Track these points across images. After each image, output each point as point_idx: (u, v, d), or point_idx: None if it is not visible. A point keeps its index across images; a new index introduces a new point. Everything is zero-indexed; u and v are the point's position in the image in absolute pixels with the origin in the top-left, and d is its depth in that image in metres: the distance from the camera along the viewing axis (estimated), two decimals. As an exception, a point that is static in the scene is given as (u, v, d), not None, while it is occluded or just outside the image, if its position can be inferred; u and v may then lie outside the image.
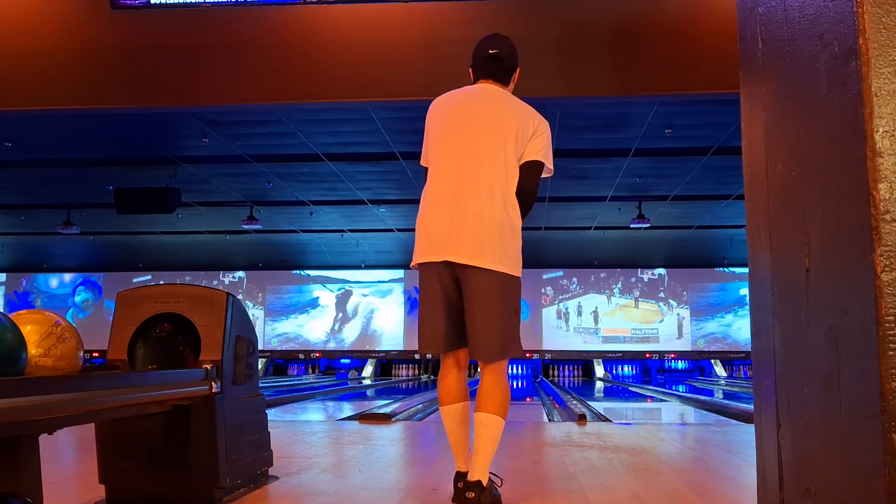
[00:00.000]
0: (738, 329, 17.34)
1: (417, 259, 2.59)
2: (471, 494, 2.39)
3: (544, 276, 17.59)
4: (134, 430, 2.50)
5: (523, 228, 2.60)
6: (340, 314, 18.25)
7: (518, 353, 2.54)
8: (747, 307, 1.71)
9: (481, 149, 2.55)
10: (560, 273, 17.55)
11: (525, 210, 2.59)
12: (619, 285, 17.65)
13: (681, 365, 17.72)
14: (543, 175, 2.64)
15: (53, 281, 18.72)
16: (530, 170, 2.57)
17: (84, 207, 13.24)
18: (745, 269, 1.71)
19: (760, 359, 1.61)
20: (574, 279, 17.60)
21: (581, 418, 5.89)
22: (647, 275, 17.64)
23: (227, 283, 18.31)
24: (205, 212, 13.81)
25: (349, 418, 6.55)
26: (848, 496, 1.20)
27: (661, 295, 17.66)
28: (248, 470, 2.79)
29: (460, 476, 2.54)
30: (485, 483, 2.43)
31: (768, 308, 1.55)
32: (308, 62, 5.71)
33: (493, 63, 2.69)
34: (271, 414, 3.20)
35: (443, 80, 5.69)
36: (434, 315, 2.56)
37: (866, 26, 1.15)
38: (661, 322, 17.55)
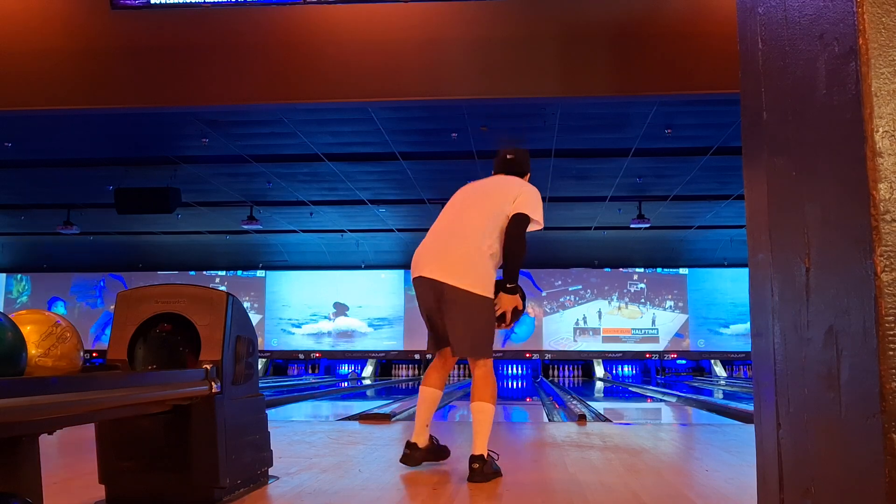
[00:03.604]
0: (738, 329, 17.33)
1: (412, 274, 3.33)
2: (476, 465, 3.03)
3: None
4: (134, 430, 2.50)
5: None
6: (340, 314, 18.25)
7: (485, 356, 3.19)
8: (747, 307, 1.71)
9: (469, 200, 3.35)
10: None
11: (509, 255, 3.16)
12: (617, 291, 17.71)
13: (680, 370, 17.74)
14: (533, 228, 3.23)
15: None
16: (516, 221, 3.20)
17: (84, 207, 13.24)
18: (745, 269, 1.71)
19: (760, 359, 1.61)
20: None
21: (581, 418, 5.89)
22: (640, 281, 17.69)
23: (223, 287, 18.30)
24: (205, 212, 13.81)
25: (349, 418, 6.54)
26: (848, 496, 1.20)
27: (658, 295, 17.67)
28: (247, 470, 2.79)
29: (410, 444, 3.28)
30: (486, 457, 3.06)
31: (768, 308, 1.55)
32: (308, 62, 5.71)
33: (507, 163, 3.49)
34: (271, 414, 3.19)
35: (443, 80, 5.73)
36: (425, 322, 3.30)
37: (866, 26, 1.15)
38: (656, 321, 17.59)
